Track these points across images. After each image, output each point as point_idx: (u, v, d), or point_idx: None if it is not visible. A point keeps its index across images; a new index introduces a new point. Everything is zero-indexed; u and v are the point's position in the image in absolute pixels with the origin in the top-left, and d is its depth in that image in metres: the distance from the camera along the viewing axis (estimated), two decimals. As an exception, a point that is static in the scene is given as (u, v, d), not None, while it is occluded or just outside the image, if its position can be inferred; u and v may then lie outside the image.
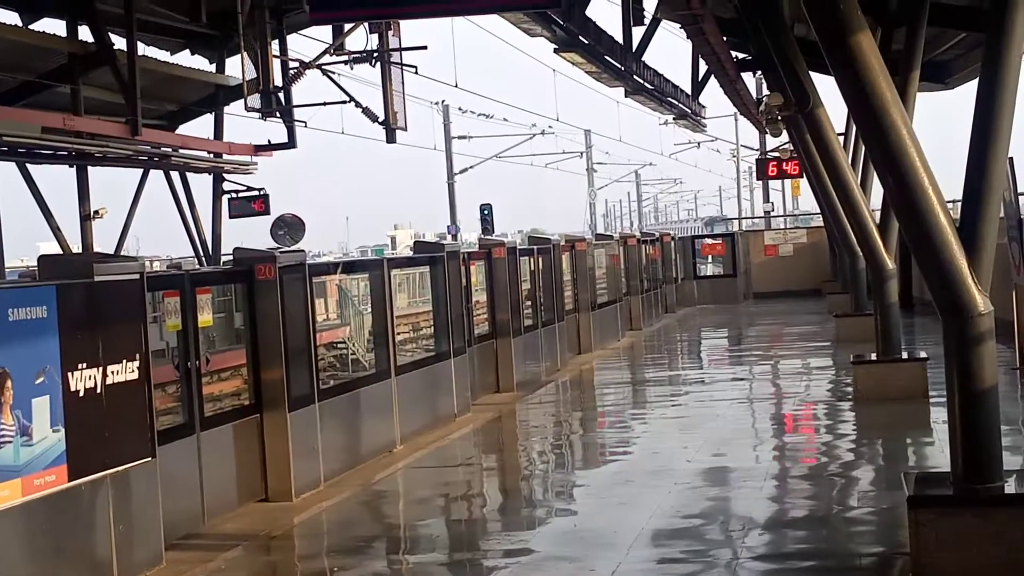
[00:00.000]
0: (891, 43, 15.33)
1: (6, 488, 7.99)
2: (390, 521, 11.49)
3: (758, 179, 41.16)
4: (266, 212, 24.38)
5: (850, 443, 13.85)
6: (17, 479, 8.09)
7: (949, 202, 8.57)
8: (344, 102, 22.47)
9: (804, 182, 40.34)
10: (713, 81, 22.14)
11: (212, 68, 22.21)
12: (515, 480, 13.02)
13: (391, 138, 22.63)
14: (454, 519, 11.40)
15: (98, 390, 8.88)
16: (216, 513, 11.00)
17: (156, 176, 22.21)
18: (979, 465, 8.11)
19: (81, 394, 8.70)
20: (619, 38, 17.09)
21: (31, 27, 18.50)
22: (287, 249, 15.01)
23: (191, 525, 10.61)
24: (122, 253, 19.20)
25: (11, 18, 17.58)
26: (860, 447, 13.57)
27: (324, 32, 21.92)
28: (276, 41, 20.60)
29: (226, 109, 22.73)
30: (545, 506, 11.50)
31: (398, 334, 15.57)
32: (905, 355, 16.35)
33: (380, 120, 22.21)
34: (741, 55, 20.47)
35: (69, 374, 8.60)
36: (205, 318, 11.29)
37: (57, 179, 21.37)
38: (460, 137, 55.11)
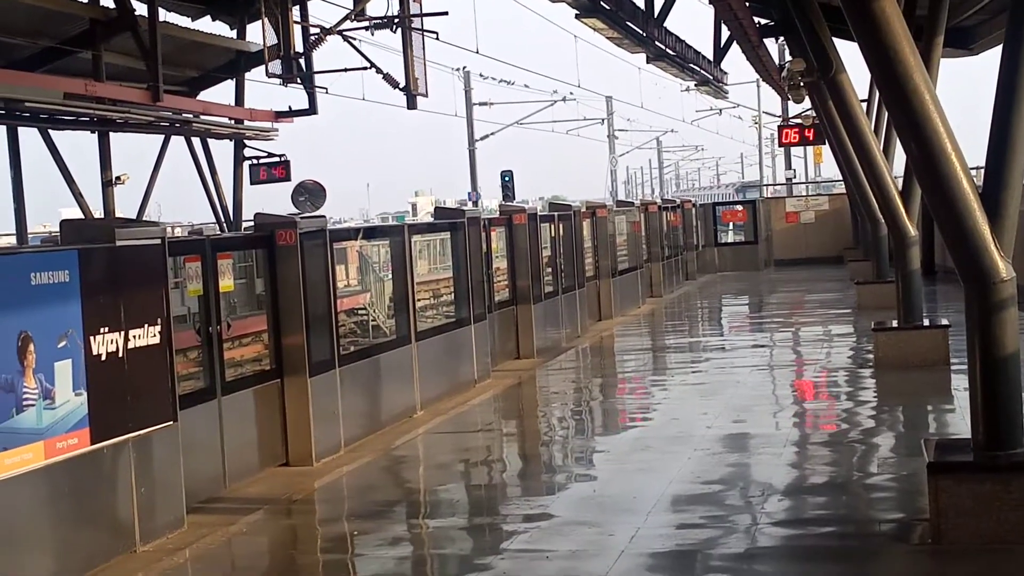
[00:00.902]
0: (915, 8, 15.19)
1: (29, 451, 8.04)
2: (410, 486, 11.53)
3: (780, 146, 40.94)
4: (287, 178, 24.37)
5: (870, 410, 13.83)
6: (40, 442, 8.14)
7: (972, 169, 8.52)
8: (365, 68, 22.41)
9: (826, 149, 40.21)
10: (735, 47, 21.98)
11: (233, 34, 22.18)
12: (535, 446, 13.04)
13: (412, 104, 22.55)
14: (474, 484, 11.43)
15: (120, 354, 8.92)
16: (237, 477, 11.06)
17: (177, 142, 22.24)
18: (1000, 432, 8.09)
19: (103, 358, 8.74)
20: (641, 3, 17.00)
21: (53, -7, 18.50)
22: (308, 215, 15.06)
23: (212, 489, 10.66)
24: (144, 219, 19.25)
25: (33, -16, 17.57)
26: (880, 414, 13.55)
27: (344, -2, 21.84)
28: (297, 7, 20.56)
29: (247, 75, 22.70)
30: (565, 471, 11.52)
31: (418, 300, 15.59)
32: (926, 322, 16.30)
33: (401, 86, 22.14)
34: (764, 20, 20.33)
35: (91, 338, 8.64)
36: (226, 283, 11.32)
37: (79, 145, 21.40)
38: (481, 104, 54.97)
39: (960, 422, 11.78)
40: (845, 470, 10.64)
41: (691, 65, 22.95)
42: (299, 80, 21.31)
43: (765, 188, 60.26)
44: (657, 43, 19.04)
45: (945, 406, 13.34)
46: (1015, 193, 8.28)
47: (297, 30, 20.33)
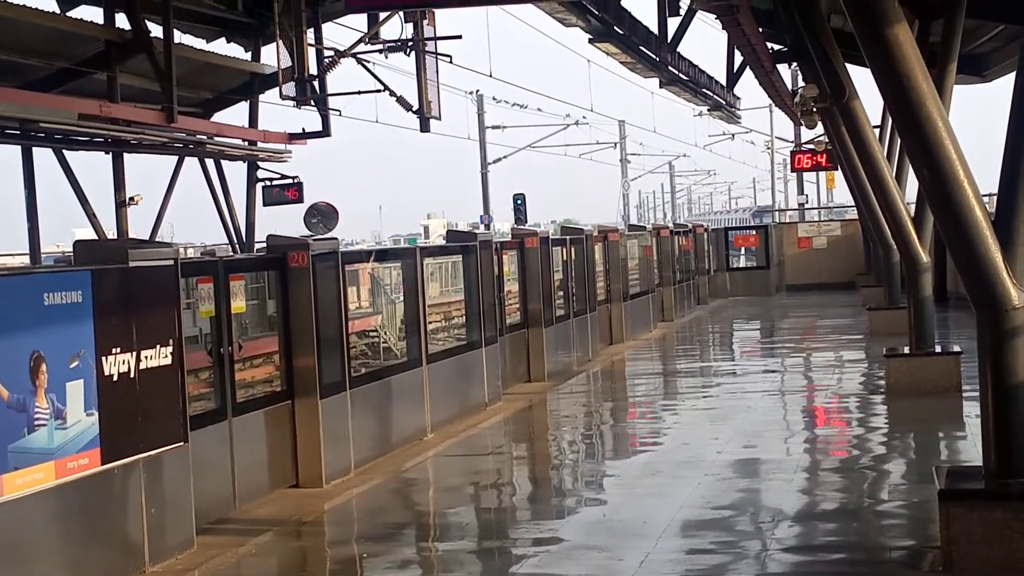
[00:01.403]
0: (929, 35, 15.21)
1: (40, 471, 8.05)
2: (420, 509, 11.52)
3: (792, 171, 40.98)
4: (299, 200, 24.43)
5: (882, 436, 13.79)
6: (51, 462, 8.15)
7: (985, 195, 8.51)
8: (378, 91, 22.47)
9: (839, 175, 40.18)
10: (748, 72, 22.03)
11: (248, 56, 22.28)
12: (545, 469, 13.02)
13: (425, 127, 22.60)
14: (484, 507, 11.41)
15: (131, 375, 8.93)
16: (247, 498, 11.06)
17: (191, 163, 22.30)
18: (1012, 460, 8.06)
19: (115, 378, 8.75)
20: (654, 29, 17.06)
21: (68, 14, 18.61)
22: (320, 237, 15.08)
23: (222, 510, 10.66)
24: (157, 239, 19.30)
25: (49, 5, 17.70)
26: (892, 440, 13.51)
27: (359, 21, 21.98)
28: (311, 29, 20.64)
29: (261, 97, 22.78)
30: (575, 495, 11.50)
31: (430, 323, 15.59)
32: (939, 348, 16.27)
33: (414, 109, 22.19)
34: (777, 46, 20.37)
35: (103, 358, 8.65)
36: (238, 304, 11.34)
37: (93, 165, 21.50)
38: (494, 127, 55.11)
39: (972, 449, 11.74)
40: (856, 497, 10.60)
41: (704, 90, 22.99)
42: (313, 102, 21.38)
43: (779, 214, 60.20)
44: (670, 68, 19.09)
45: (957, 433, 13.30)
46: (1028, 220, 8.26)
47: (311, 53, 20.40)
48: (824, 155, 32.03)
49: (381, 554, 9.48)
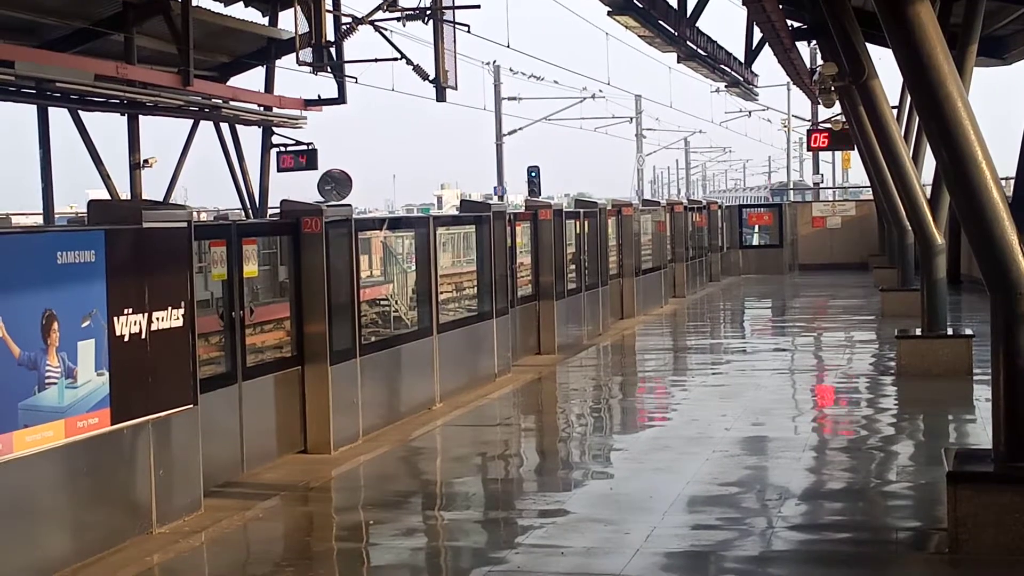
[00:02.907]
0: (950, 16, 15.13)
1: (50, 429, 8.09)
2: (427, 477, 11.54)
3: (808, 150, 40.85)
4: (314, 167, 24.43)
5: (891, 417, 13.78)
6: (61, 420, 8.18)
7: (1002, 178, 8.48)
8: (395, 59, 22.46)
9: (855, 154, 40.05)
10: (767, 49, 21.95)
11: (265, 21, 22.23)
12: (553, 442, 13.04)
13: (441, 97, 22.60)
14: (490, 478, 11.44)
15: (143, 336, 8.95)
16: (255, 463, 11.09)
17: (206, 127, 22.30)
18: (1022, 443, 8.05)
19: (126, 339, 8.77)
20: (674, 3, 16.99)
21: (87, -26, 18.58)
22: (334, 204, 15.07)
23: (230, 473, 10.70)
24: (170, 202, 19.31)
25: (67, -35, 17.65)
26: (901, 422, 13.50)
27: (378, -12, 21.87)
28: (330, -5, 20.59)
29: (277, 63, 22.75)
30: (582, 468, 11.51)
31: (441, 293, 15.59)
32: (951, 331, 16.25)
33: (431, 78, 22.19)
34: (796, 23, 20.27)
35: (115, 319, 8.67)
36: (250, 269, 11.35)
37: (108, 127, 21.50)
38: (510, 98, 55.00)
39: (981, 433, 11.72)
40: (863, 477, 10.60)
41: (722, 66, 22.92)
42: (329, 69, 21.36)
43: (794, 192, 60.08)
44: (688, 43, 19.02)
45: (966, 416, 13.28)
46: (1045, 204, 8.25)
47: (329, 19, 20.38)
48: (842, 133, 31.88)
49: (387, 521, 9.50)
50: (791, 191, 62.83)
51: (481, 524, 9.49)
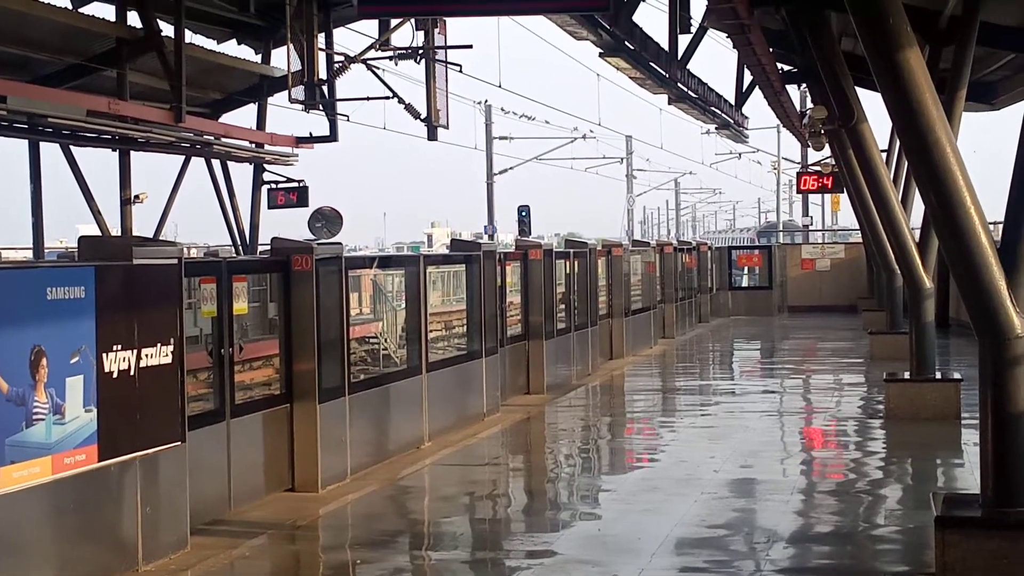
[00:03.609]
0: (939, 61, 15.23)
1: (37, 465, 8.06)
2: (414, 517, 11.51)
3: (798, 192, 41.00)
4: (305, 204, 24.47)
5: (879, 461, 13.78)
6: (48, 456, 8.15)
7: (991, 223, 8.52)
8: (387, 97, 22.54)
9: (844, 197, 40.18)
10: (757, 92, 22.08)
11: (258, 58, 22.32)
12: (541, 482, 13.02)
13: (432, 135, 22.68)
14: (478, 518, 11.41)
15: (131, 372, 8.94)
16: (242, 500, 11.05)
17: (197, 163, 22.35)
18: (1010, 489, 8.06)
19: (115, 375, 8.76)
20: (665, 45, 17.07)
21: (81, 10, 18.65)
22: (324, 241, 15.09)
23: (217, 511, 10.66)
24: (161, 238, 19.31)
25: (62, 1, 17.73)
26: (889, 465, 13.50)
27: (370, 27, 22.00)
28: (322, 34, 20.69)
29: (269, 100, 22.84)
30: (570, 509, 11.49)
31: (431, 331, 15.59)
32: (939, 375, 16.26)
33: (422, 117, 22.26)
34: (787, 67, 20.40)
35: (104, 355, 8.66)
36: (240, 306, 11.34)
37: (100, 162, 21.52)
38: (501, 138, 55.14)
39: (969, 477, 11.74)
40: (851, 520, 10.60)
41: (712, 108, 23.06)
42: (321, 107, 21.43)
43: (783, 233, 60.19)
44: (679, 84, 19.14)
45: (955, 460, 13.29)
46: (1033, 249, 8.28)
47: (322, 57, 20.46)
48: (830, 177, 32.02)
49: (375, 561, 9.47)
50: (780, 232, 62.95)
51: (468, 564, 9.46)
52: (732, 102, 23.90)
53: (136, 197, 20.78)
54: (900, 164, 22.13)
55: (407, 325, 15.29)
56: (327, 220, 27.00)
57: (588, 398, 19.44)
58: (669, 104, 20.96)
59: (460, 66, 22.91)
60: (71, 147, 19.68)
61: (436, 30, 21.84)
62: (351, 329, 13.32)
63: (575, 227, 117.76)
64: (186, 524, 9.60)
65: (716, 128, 27.60)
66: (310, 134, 23.37)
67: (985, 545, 7.86)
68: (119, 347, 8.81)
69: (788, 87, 22.02)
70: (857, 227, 34.66)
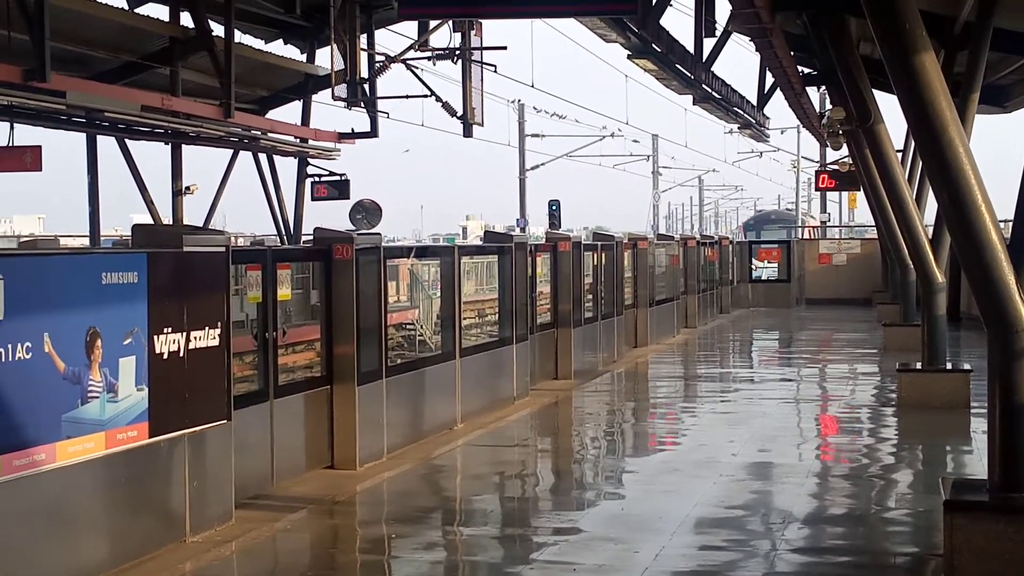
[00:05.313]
0: (953, 65, 15.12)
1: (91, 440, 8.12)
2: (447, 494, 11.54)
3: (816, 190, 40.78)
4: (346, 196, 24.52)
5: (891, 447, 13.73)
6: (102, 432, 8.21)
7: (1001, 221, 8.47)
8: (425, 96, 22.56)
9: (861, 195, 39.97)
10: (778, 93, 21.98)
11: (303, 58, 22.37)
12: (567, 463, 13.02)
13: (468, 133, 22.69)
14: (508, 496, 11.42)
15: (181, 354, 8.99)
16: (284, 476, 11.10)
17: (245, 157, 22.44)
18: (1016, 475, 8.00)
19: (165, 356, 8.81)
20: (690, 48, 17.02)
21: (136, 11, 18.74)
22: (364, 232, 15.12)
23: (260, 486, 10.71)
24: (210, 227, 19.40)
25: (118, 1, 17.82)
26: (901, 451, 13.44)
27: (410, 28, 22.04)
28: (364, 35, 20.72)
29: (313, 97, 22.88)
30: (595, 489, 11.49)
31: (464, 319, 15.60)
32: (949, 366, 16.17)
33: (458, 115, 22.28)
34: (807, 70, 20.29)
35: (155, 337, 8.71)
36: (284, 292, 11.40)
37: (153, 155, 21.64)
38: (533, 135, 55.14)
39: (977, 463, 11.67)
40: (864, 503, 10.56)
41: (735, 108, 22.95)
42: (363, 104, 21.46)
43: (778, 225, 59.67)
44: (704, 86, 19.07)
45: (963, 447, 13.22)
46: (1041, 246, 8.23)
47: (363, 57, 20.51)
48: (847, 175, 31.84)
49: (409, 535, 9.51)
50: (773, 223, 62.02)
51: (498, 540, 9.48)
52: (754, 103, 23.79)
53: (187, 188, 20.88)
54: (915, 163, 21.98)
55: (442, 312, 15.31)
56: (367, 212, 27.08)
57: (613, 384, 19.42)
58: (694, 104, 20.87)
59: (495, 66, 22.90)
60: (126, 140, 19.80)
61: (472, 32, 21.84)
62: (389, 316, 13.35)
63: (603, 221, 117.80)
64: (231, 498, 9.66)
65: (739, 128, 27.46)
66: (352, 130, 23.41)
67: (991, 528, 7.81)
68: (169, 329, 8.86)
69: (808, 89, 21.89)
70: (873, 224, 34.51)
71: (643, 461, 12.95)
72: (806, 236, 47.85)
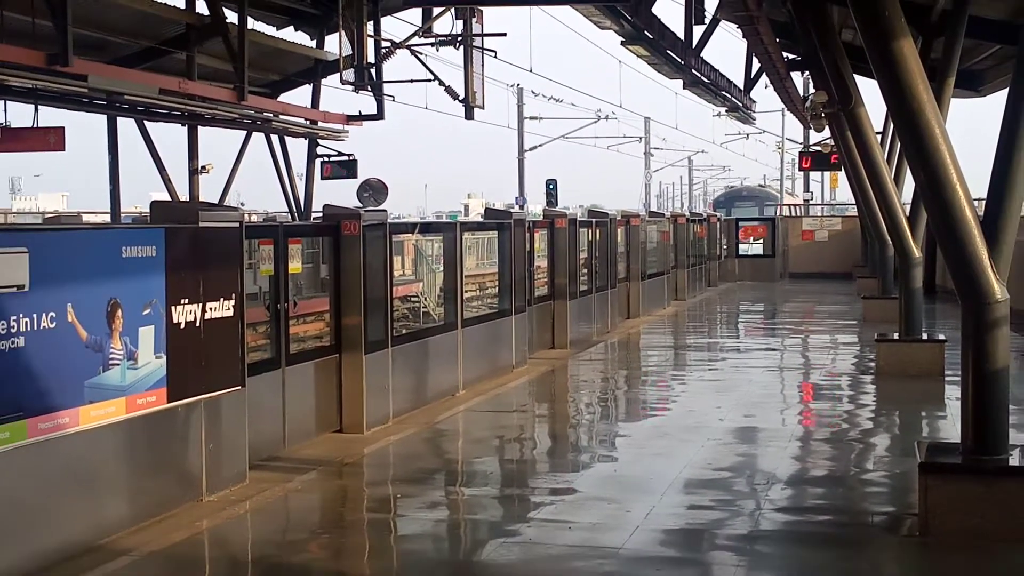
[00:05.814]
0: (930, 51, 15.08)
1: (112, 405, 8.13)
2: (449, 457, 11.55)
3: (800, 170, 40.76)
4: (354, 176, 24.49)
5: (870, 413, 13.74)
6: (122, 398, 8.22)
7: (975, 199, 8.46)
8: (429, 80, 22.50)
9: (842, 175, 39.95)
10: (764, 78, 21.93)
11: (312, 43, 22.31)
12: (563, 427, 13.04)
13: (469, 115, 22.63)
14: (507, 458, 11.44)
15: (197, 324, 8.99)
16: (295, 440, 11.12)
17: (258, 138, 22.39)
18: (987, 438, 8.03)
19: (182, 326, 8.81)
20: (681, 35, 16.98)
21: (154, -2, 18.67)
22: (371, 209, 15.10)
23: (273, 449, 10.73)
24: (224, 204, 19.36)
25: (137, -11, 17.74)
26: (879, 417, 13.46)
27: (414, 16, 21.99)
28: (371, 22, 20.63)
29: (323, 81, 22.83)
30: (589, 452, 11.51)
31: (466, 291, 15.60)
32: (925, 336, 16.18)
33: (460, 98, 22.22)
34: (791, 55, 20.24)
35: (172, 308, 8.71)
36: (295, 266, 11.39)
37: (170, 136, 21.60)
38: (531, 118, 55.05)
39: (951, 428, 11.69)
40: (843, 465, 10.57)
41: (723, 92, 22.90)
42: (369, 88, 21.39)
43: (750, 202, 59.57)
44: (694, 71, 19.02)
45: (938, 413, 13.24)
46: (1013, 222, 8.24)
47: (370, 43, 20.41)
48: (830, 156, 31.79)
49: (413, 495, 9.52)
50: (745, 199, 61.45)
51: (497, 500, 9.50)
52: (741, 87, 23.74)
53: (203, 168, 20.85)
54: (893, 145, 21.90)
55: (444, 285, 15.30)
56: (374, 190, 27.02)
57: (607, 353, 19.43)
58: (684, 88, 20.82)
59: (495, 52, 22.83)
60: (145, 122, 19.74)
61: (474, 19, 21.77)
62: (394, 288, 13.34)
63: (597, 199, 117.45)
64: (245, 460, 9.67)
65: (726, 111, 27.42)
66: (359, 112, 23.37)
67: (964, 489, 7.84)
68: (186, 301, 8.85)
69: (792, 74, 21.84)
70: (853, 202, 34.47)
71: (635, 426, 12.97)
72: (783, 214, 47.73)
